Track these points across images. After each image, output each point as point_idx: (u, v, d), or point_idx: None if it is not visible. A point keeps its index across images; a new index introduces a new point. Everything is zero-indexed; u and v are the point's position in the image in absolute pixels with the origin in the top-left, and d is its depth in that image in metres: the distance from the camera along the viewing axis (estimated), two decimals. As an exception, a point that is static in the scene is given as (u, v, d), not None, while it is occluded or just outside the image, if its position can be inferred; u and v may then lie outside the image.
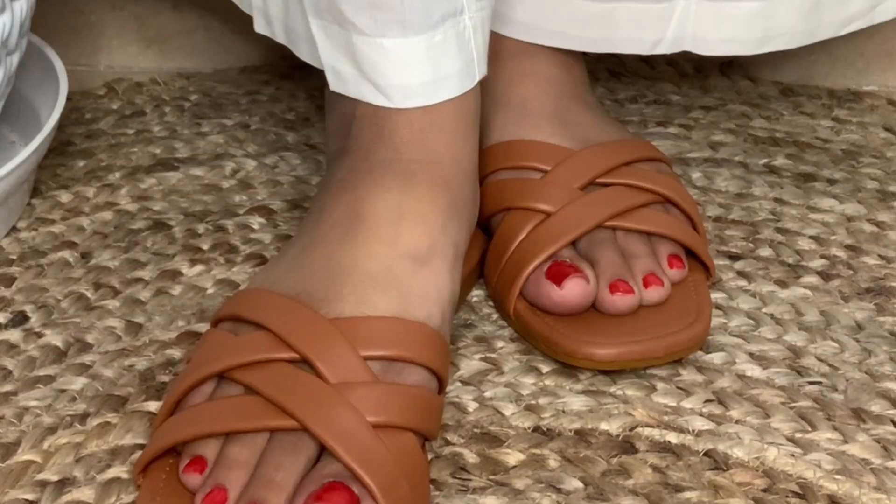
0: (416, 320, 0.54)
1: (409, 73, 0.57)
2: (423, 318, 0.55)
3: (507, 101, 0.68)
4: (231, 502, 0.48)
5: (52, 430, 0.57)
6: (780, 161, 0.79)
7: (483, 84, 0.61)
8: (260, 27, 0.62)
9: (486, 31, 0.60)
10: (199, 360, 0.53)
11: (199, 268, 0.68)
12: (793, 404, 0.59)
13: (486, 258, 0.65)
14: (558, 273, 0.60)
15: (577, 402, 0.59)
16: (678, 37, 0.68)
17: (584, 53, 0.72)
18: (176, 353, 0.62)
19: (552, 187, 0.64)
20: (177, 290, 0.66)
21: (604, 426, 0.58)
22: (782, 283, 0.67)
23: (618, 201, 0.63)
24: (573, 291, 0.60)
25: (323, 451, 0.50)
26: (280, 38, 0.61)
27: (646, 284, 0.61)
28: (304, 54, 0.60)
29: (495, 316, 0.65)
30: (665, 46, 0.69)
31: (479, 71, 0.59)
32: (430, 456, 0.56)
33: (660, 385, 0.60)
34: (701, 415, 0.59)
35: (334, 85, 0.59)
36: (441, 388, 0.56)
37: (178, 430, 0.51)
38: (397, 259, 0.55)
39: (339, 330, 0.52)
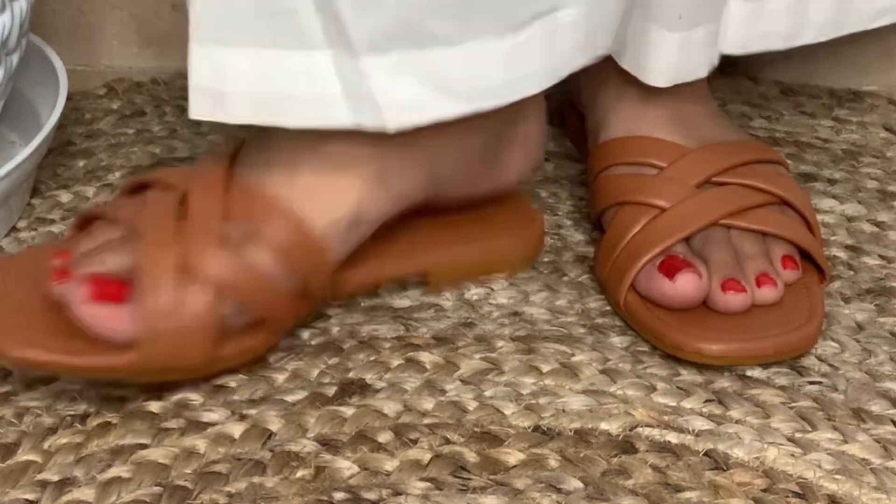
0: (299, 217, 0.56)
1: (487, 75, 0.55)
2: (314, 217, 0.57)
3: (627, 98, 0.68)
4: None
5: (52, 430, 0.57)
6: (780, 161, 0.79)
7: (602, 79, 0.62)
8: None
9: (598, 17, 0.58)
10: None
11: (199, 268, 0.68)
12: (793, 404, 0.59)
13: (597, 250, 0.66)
14: (671, 267, 0.61)
15: (577, 402, 0.59)
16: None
17: None
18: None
19: (668, 183, 0.64)
20: (177, 289, 0.66)
21: (604, 426, 0.58)
22: (782, 283, 0.67)
23: (733, 200, 0.64)
24: (686, 286, 0.60)
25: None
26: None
27: (759, 284, 0.61)
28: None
29: (496, 314, 0.65)
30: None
31: (568, 67, 0.58)
32: (429, 455, 0.56)
33: (660, 385, 0.60)
34: (701, 415, 0.59)
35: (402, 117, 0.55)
36: (307, 294, 0.58)
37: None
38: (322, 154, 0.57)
39: (225, 193, 0.57)
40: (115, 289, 0.55)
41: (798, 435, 0.58)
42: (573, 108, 0.77)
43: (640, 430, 0.58)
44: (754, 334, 0.60)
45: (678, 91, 0.67)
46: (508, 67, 0.55)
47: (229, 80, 0.54)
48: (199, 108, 0.55)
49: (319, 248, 0.57)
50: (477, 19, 0.53)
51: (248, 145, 0.59)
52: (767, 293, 0.61)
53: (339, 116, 0.54)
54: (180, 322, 0.55)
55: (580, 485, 0.55)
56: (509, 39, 0.54)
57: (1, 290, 0.57)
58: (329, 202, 0.57)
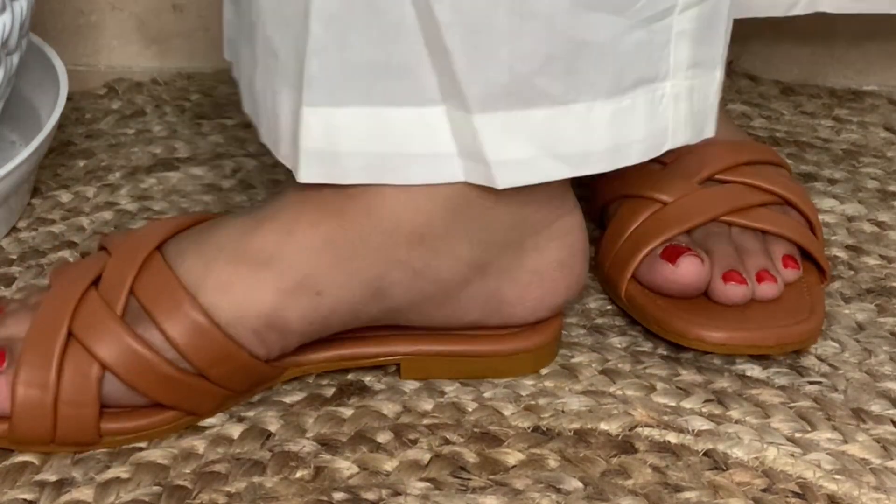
0: (205, 307, 0.55)
1: (592, 139, 0.54)
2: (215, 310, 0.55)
3: None
4: None
5: (51, 430, 0.57)
6: (780, 161, 0.79)
7: None
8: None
9: (700, 99, 0.56)
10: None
11: (198, 268, 0.68)
12: (792, 404, 0.59)
13: (599, 244, 0.66)
14: (674, 252, 0.61)
15: (577, 403, 0.59)
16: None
17: None
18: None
19: (672, 179, 0.65)
20: (177, 290, 0.66)
21: (603, 426, 0.58)
22: (782, 283, 0.67)
23: (735, 198, 0.64)
24: (688, 269, 0.61)
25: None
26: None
27: (759, 280, 0.62)
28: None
29: (495, 316, 0.65)
30: (801, 7, 0.70)
31: (672, 140, 0.56)
32: (428, 456, 0.56)
33: (659, 385, 0.60)
34: (700, 415, 0.59)
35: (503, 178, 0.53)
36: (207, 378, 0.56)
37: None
38: (242, 252, 0.56)
39: (134, 271, 0.56)
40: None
41: (798, 435, 0.58)
42: None
43: (639, 430, 0.58)
44: (756, 325, 0.60)
45: None
46: (613, 132, 0.54)
47: (343, 142, 0.53)
48: (311, 172, 0.54)
49: (221, 338, 0.54)
50: (584, 78, 0.52)
51: (189, 230, 0.58)
52: (767, 289, 0.62)
53: (452, 173, 0.54)
54: (58, 397, 0.54)
55: (580, 485, 0.55)
56: (614, 103, 0.53)
57: None
58: (239, 298, 0.55)
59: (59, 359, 0.54)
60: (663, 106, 0.55)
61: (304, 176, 0.53)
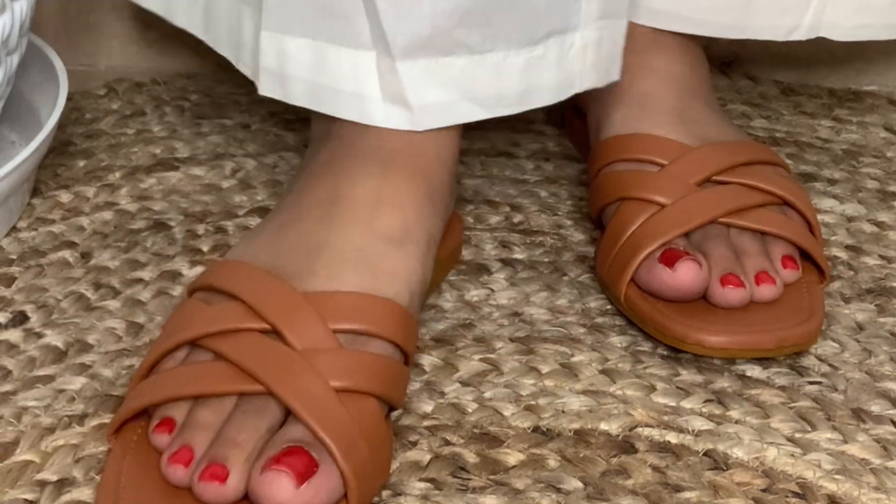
0: (384, 297, 0.55)
1: (505, 85, 0.59)
2: (391, 295, 0.56)
3: (630, 95, 0.69)
4: (195, 461, 0.50)
5: (50, 430, 0.57)
6: (780, 161, 0.79)
7: None
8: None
9: (608, 46, 0.62)
10: (173, 328, 0.55)
11: (199, 269, 0.68)
12: (793, 404, 0.59)
13: (598, 246, 0.66)
14: (672, 257, 0.61)
15: (577, 403, 0.59)
16: (815, 24, 0.69)
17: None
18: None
19: (669, 180, 0.64)
20: (177, 290, 0.66)
21: (603, 426, 0.58)
22: (782, 284, 0.67)
23: (733, 199, 0.64)
24: (686, 274, 0.60)
25: (288, 417, 0.51)
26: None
27: (758, 282, 0.61)
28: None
29: (496, 315, 0.65)
30: (801, 33, 0.70)
31: (579, 84, 0.61)
32: (428, 457, 0.56)
33: (659, 385, 0.60)
34: (700, 415, 0.59)
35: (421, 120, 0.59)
36: (406, 362, 0.56)
37: (150, 392, 0.53)
38: (371, 240, 0.57)
39: (308, 302, 0.53)
40: (306, 458, 0.49)
41: (798, 435, 0.58)
42: (574, 108, 0.77)
43: (639, 430, 0.58)
44: (755, 328, 0.60)
45: (679, 90, 0.68)
46: (525, 78, 0.59)
47: (290, 66, 0.59)
48: (266, 87, 0.60)
49: (410, 315, 0.56)
50: (500, 30, 0.58)
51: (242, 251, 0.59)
52: (766, 291, 0.61)
53: (376, 116, 0.58)
54: (374, 457, 0.51)
55: (580, 485, 0.55)
56: (527, 52, 0.58)
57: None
58: (401, 286, 0.57)
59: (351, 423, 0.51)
60: (573, 54, 0.60)
61: (263, 89, 0.60)
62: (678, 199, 0.64)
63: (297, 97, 0.60)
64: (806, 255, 0.65)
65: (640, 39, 0.70)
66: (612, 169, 0.67)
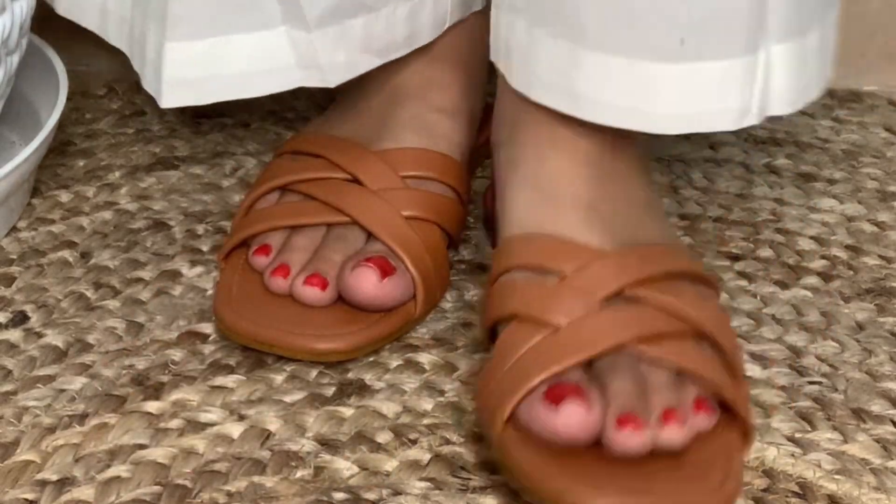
0: (441, 152, 0.66)
1: (395, 33, 0.66)
2: (446, 151, 0.67)
3: (535, 179, 0.59)
4: (292, 275, 0.61)
5: (51, 430, 0.57)
6: (780, 161, 0.79)
7: (513, 149, 0.59)
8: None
9: None
10: (266, 178, 0.67)
11: (199, 269, 0.68)
12: (793, 404, 0.59)
13: (480, 373, 0.56)
14: (558, 394, 0.51)
15: (577, 402, 0.59)
16: (762, 105, 0.56)
17: None
18: (176, 353, 0.62)
19: (569, 295, 0.54)
20: (177, 290, 0.66)
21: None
22: (783, 284, 0.67)
23: (644, 324, 0.53)
24: (569, 418, 0.50)
25: (368, 240, 0.63)
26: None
27: (664, 420, 0.50)
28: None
29: (495, 316, 0.65)
30: (753, 118, 0.56)
31: (450, 19, 0.68)
32: (428, 456, 0.56)
33: (659, 385, 0.60)
34: (701, 415, 0.59)
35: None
36: (461, 203, 0.67)
37: (255, 223, 0.64)
38: (426, 111, 0.67)
39: (379, 157, 0.65)
40: (386, 263, 0.61)
41: (798, 435, 0.58)
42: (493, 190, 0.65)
43: (639, 430, 0.57)
44: (654, 490, 0.50)
45: (592, 173, 0.58)
46: (409, 25, 0.66)
47: (197, 69, 0.63)
48: (169, 99, 0.65)
49: (462, 166, 0.67)
50: None
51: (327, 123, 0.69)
52: (672, 433, 0.50)
53: (292, 80, 0.64)
54: (437, 269, 0.63)
55: (580, 485, 0.55)
56: (410, 3, 0.65)
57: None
58: (454, 147, 0.67)
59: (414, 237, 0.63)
60: None
61: (165, 102, 0.64)
62: (576, 319, 0.53)
63: (207, 96, 0.65)
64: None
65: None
66: (508, 278, 0.57)
